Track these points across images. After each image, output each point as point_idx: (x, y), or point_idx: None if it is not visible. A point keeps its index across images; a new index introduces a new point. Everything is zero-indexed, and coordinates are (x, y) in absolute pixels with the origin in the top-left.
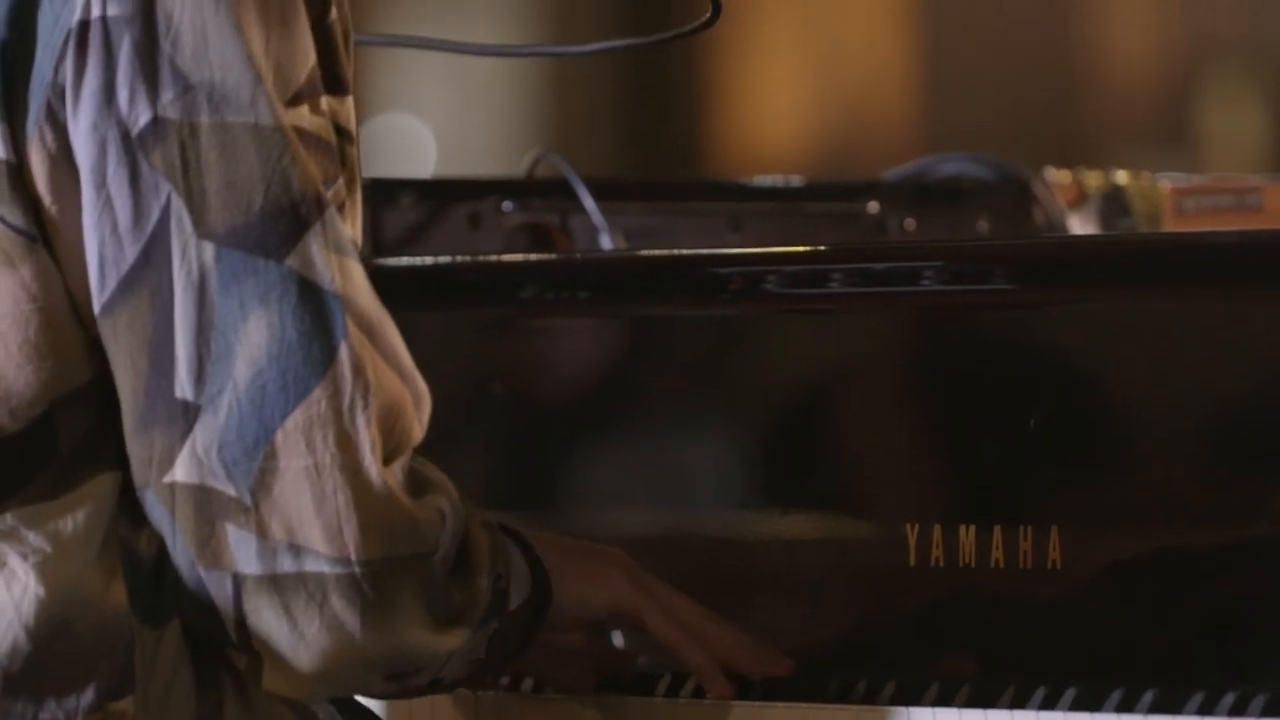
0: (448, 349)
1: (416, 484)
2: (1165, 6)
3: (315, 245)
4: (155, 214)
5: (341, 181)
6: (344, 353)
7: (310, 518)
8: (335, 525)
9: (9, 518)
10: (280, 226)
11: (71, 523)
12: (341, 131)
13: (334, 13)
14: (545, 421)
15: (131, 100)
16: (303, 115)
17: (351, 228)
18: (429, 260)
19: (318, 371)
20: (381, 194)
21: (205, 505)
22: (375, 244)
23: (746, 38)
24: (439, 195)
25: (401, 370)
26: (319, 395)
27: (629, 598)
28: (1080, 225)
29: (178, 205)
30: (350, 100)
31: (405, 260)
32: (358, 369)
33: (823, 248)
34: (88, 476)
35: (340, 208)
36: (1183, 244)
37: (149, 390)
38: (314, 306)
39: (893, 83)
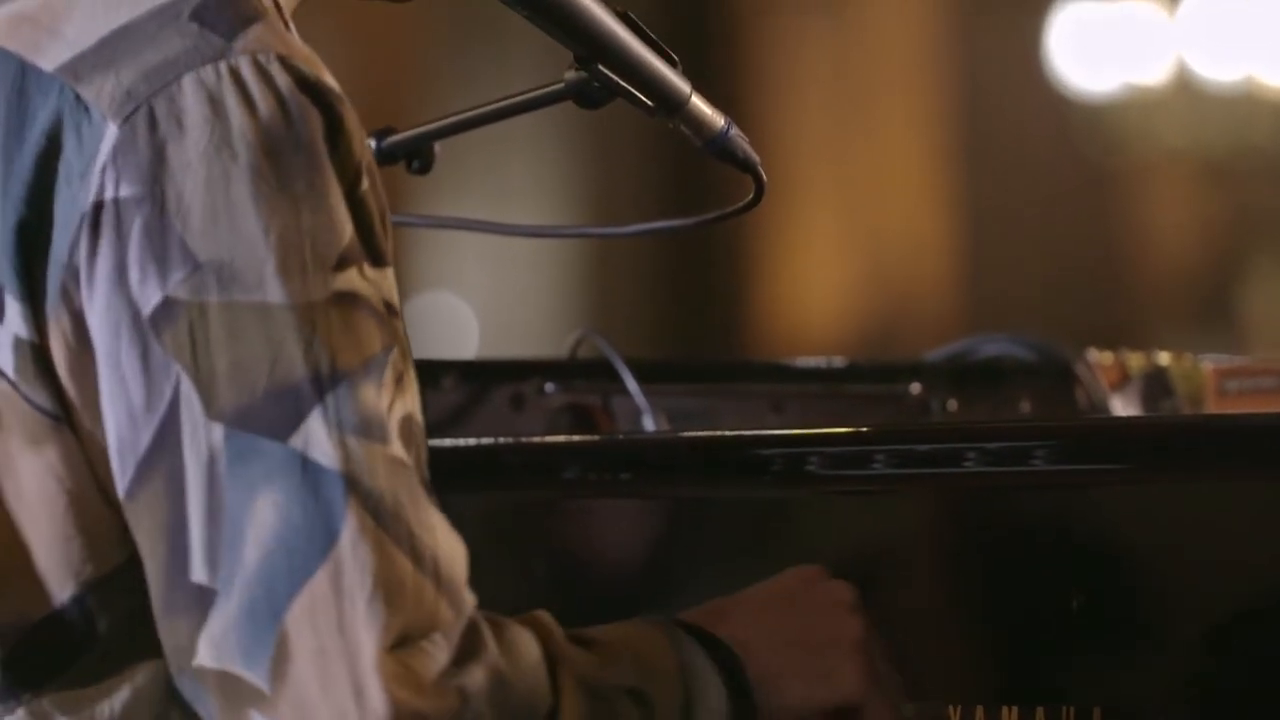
0: (491, 531)
1: (463, 652)
2: (1207, 188)
3: (319, 425)
4: (167, 396)
5: (398, 350)
6: (345, 534)
7: (318, 702)
8: (341, 710)
9: (45, 703)
10: (284, 407)
11: (108, 709)
12: (386, 304)
13: (365, 183)
14: (588, 604)
15: (142, 281)
16: (352, 279)
17: (411, 400)
18: (472, 442)
19: (320, 552)
20: (424, 375)
21: (230, 690)
22: None
23: (789, 219)
24: (481, 376)
25: (417, 553)
26: (321, 577)
27: (858, 695)
28: (1123, 406)
29: (187, 387)
30: (390, 272)
31: (448, 442)
32: (358, 551)
33: (865, 429)
34: (128, 663)
35: (399, 379)
36: (1225, 426)
37: (169, 576)
38: (316, 487)
39: (934, 264)
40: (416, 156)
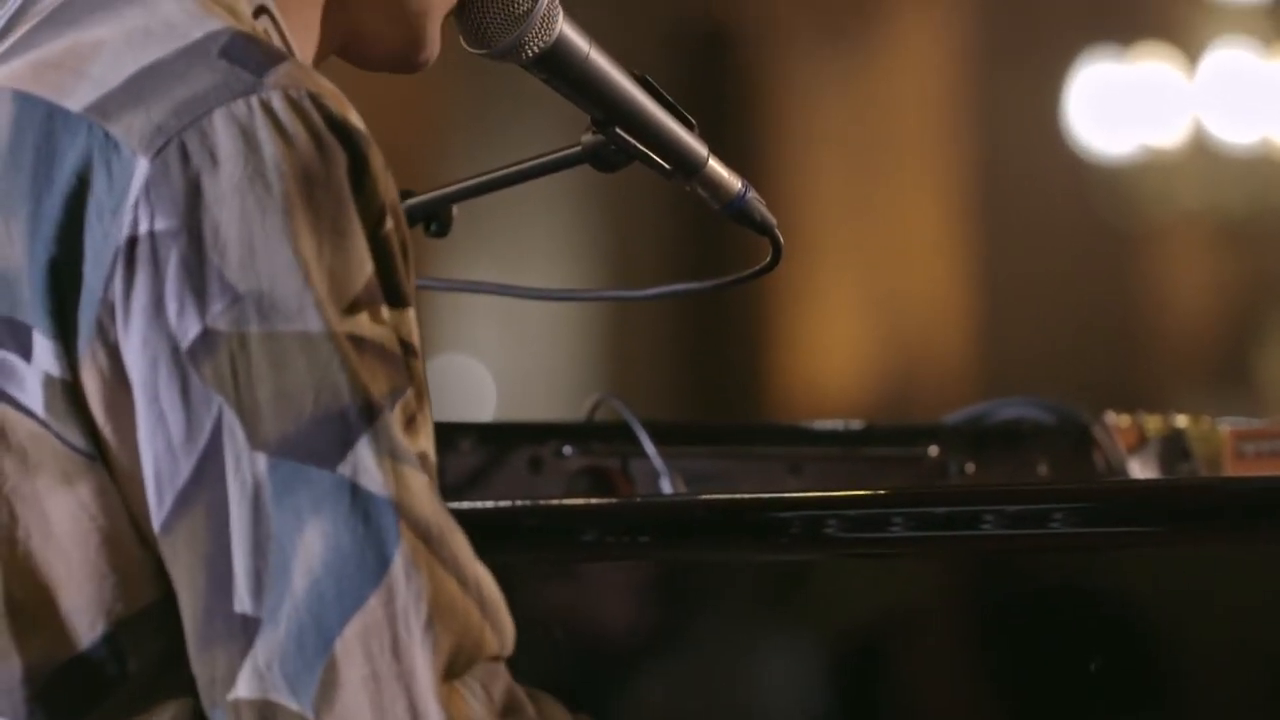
0: (509, 594)
1: (509, 705)
2: (1224, 251)
3: (367, 451)
4: (208, 427)
5: (410, 393)
6: (398, 560)
7: None
8: None
9: None
10: (331, 434)
11: None
12: (404, 344)
13: (389, 223)
14: (606, 667)
15: (180, 314)
16: (361, 323)
17: (425, 441)
18: (490, 505)
19: (372, 579)
20: (442, 438)
21: None
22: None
23: (806, 281)
24: (499, 439)
25: (463, 578)
26: (375, 603)
27: None
28: (1140, 469)
29: (229, 418)
30: (411, 313)
31: (466, 505)
32: (411, 575)
33: (883, 492)
34: (157, 701)
35: (410, 420)
36: (1243, 489)
37: (209, 607)
38: (367, 513)
39: (952, 326)
40: (434, 219)
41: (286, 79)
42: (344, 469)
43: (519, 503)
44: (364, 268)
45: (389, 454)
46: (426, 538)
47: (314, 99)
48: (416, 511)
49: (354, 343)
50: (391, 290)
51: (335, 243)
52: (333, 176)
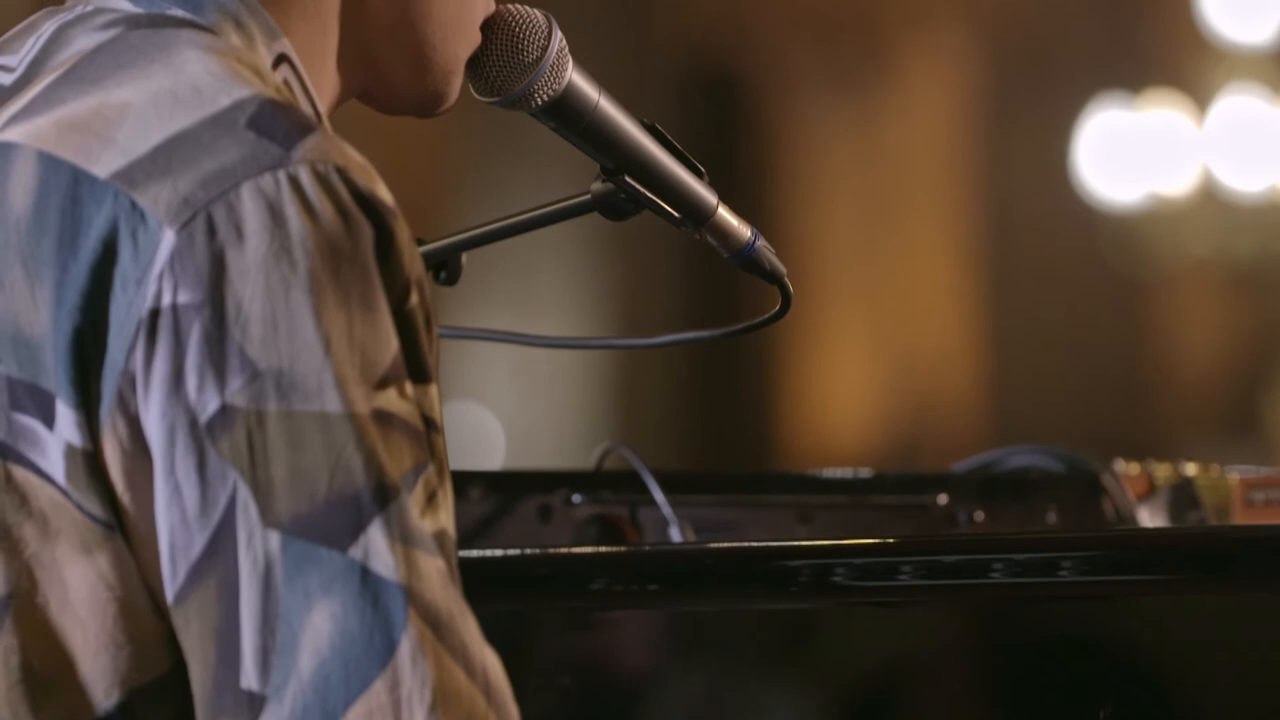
0: (518, 642)
1: None
2: (1233, 298)
3: (379, 535)
4: (222, 502)
5: (432, 469)
6: (404, 645)
7: None
8: None
9: None
10: (344, 516)
11: None
12: (426, 420)
13: (414, 298)
14: (616, 715)
15: (200, 388)
16: (391, 399)
17: (445, 517)
18: (499, 553)
19: (378, 663)
20: (451, 478)
21: None
22: None
23: (815, 329)
24: (509, 487)
25: (470, 666)
26: (380, 687)
27: None
28: (1149, 517)
29: (244, 494)
30: (434, 388)
31: (475, 553)
32: (417, 661)
33: (892, 540)
34: None
35: (431, 497)
36: (1251, 537)
37: (217, 680)
38: (376, 597)
39: (961, 374)
40: (444, 267)
41: (314, 152)
42: (355, 552)
43: (528, 551)
44: (390, 344)
45: (401, 538)
46: (435, 624)
47: (341, 173)
48: (426, 597)
49: (379, 419)
50: (415, 366)
51: (362, 319)
52: (359, 252)
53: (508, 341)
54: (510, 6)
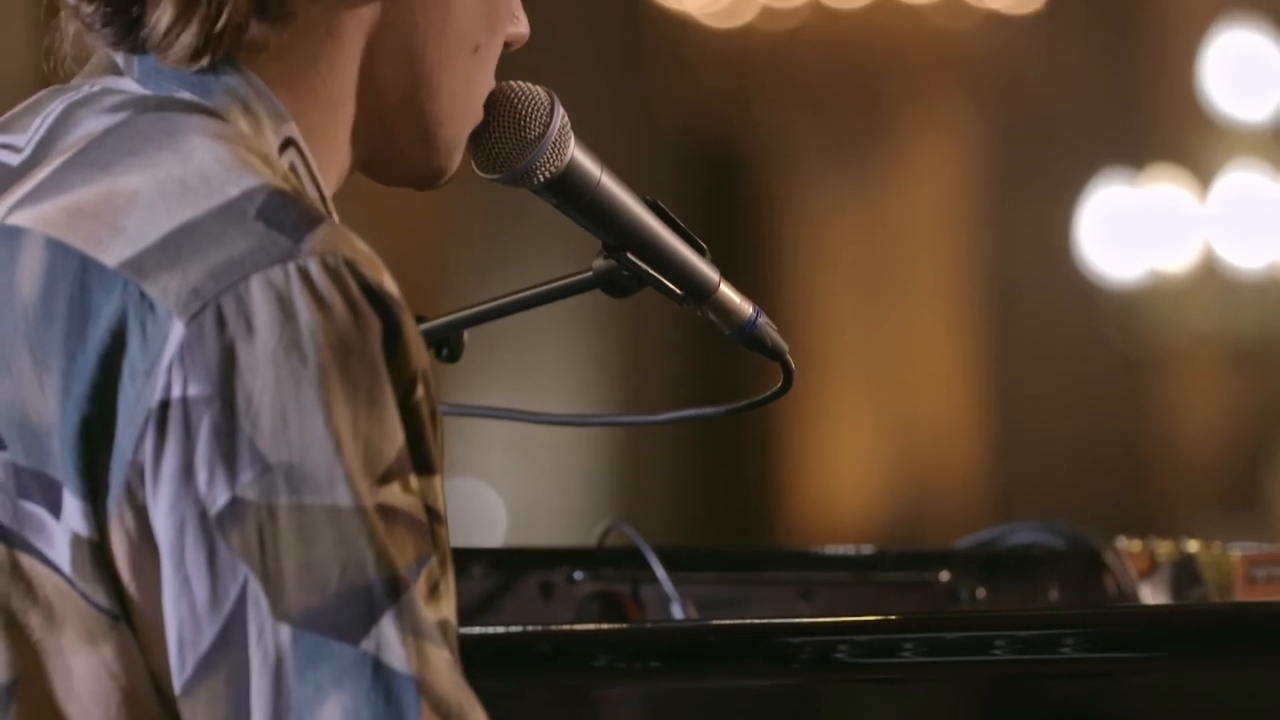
0: (521, 719)
1: None
2: (1234, 375)
3: (391, 629)
4: (233, 595)
5: (435, 561)
6: None
7: None
8: None
9: None
10: (356, 609)
11: None
12: (430, 511)
13: (420, 391)
14: None
15: (210, 481)
16: (394, 493)
17: (447, 608)
18: (501, 630)
19: None
20: (453, 562)
21: None
22: None
23: (817, 404)
24: (510, 564)
25: None
26: None
27: None
28: (1151, 594)
29: (254, 587)
30: (438, 480)
31: (477, 630)
32: None
33: (894, 617)
34: None
35: (434, 588)
36: (1254, 614)
37: None
38: (389, 690)
39: (963, 450)
40: (446, 344)
41: (324, 245)
42: (367, 644)
43: (530, 628)
44: (396, 437)
45: (412, 631)
46: (446, 715)
47: (350, 266)
48: (437, 689)
49: (384, 513)
50: (420, 458)
51: (369, 413)
52: (368, 345)
53: (509, 419)
54: (512, 83)
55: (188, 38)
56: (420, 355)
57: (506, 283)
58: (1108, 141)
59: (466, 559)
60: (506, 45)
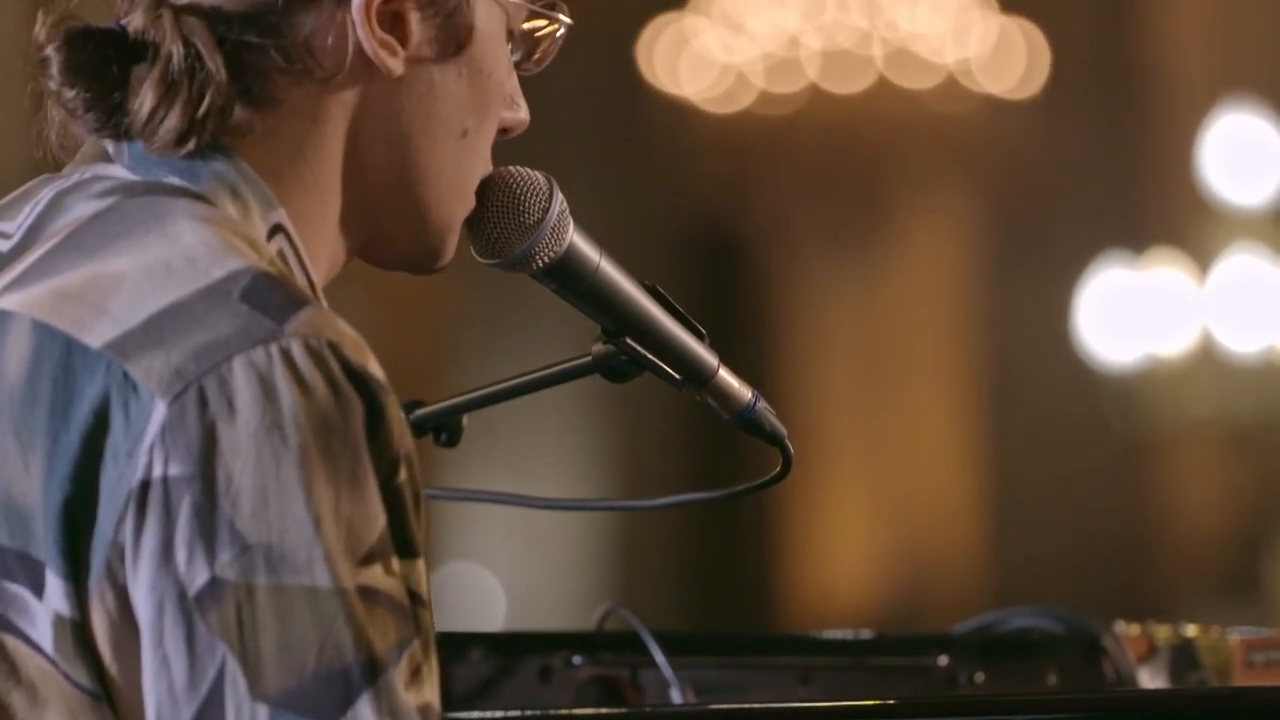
0: None
1: None
2: (1232, 459)
3: (368, 709)
4: (211, 674)
5: (417, 644)
6: None
7: None
8: None
9: None
10: (333, 690)
11: None
12: (413, 594)
13: (403, 474)
14: None
15: (190, 560)
16: (376, 575)
17: (430, 692)
18: (499, 714)
19: None
20: (451, 647)
21: None
22: (445, 698)
23: (816, 488)
24: (509, 648)
25: None
26: None
27: None
28: (1150, 678)
29: (233, 667)
30: (421, 563)
31: (475, 715)
32: None
33: (893, 701)
34: None
35: (416, 671)
36: (1252, 699)
37: None
38: None
39: (962, 534)
40: (445, 429)
41: (307, 327)
42: None
43: (529, 712)
44: (377, 520)
45: (389, 713)
46: None
47: (334, 348)
48: None
49: (365, 595)
50: (402, 541)
51: (351, 494)
52: (350, 427)
53: (508, 503)
54: (511, 168)
55: (172, 121)
56: (404, 438)
57: (505, 367)
58: (1106, 225)
59: (465, 643)
60: (506, 132)
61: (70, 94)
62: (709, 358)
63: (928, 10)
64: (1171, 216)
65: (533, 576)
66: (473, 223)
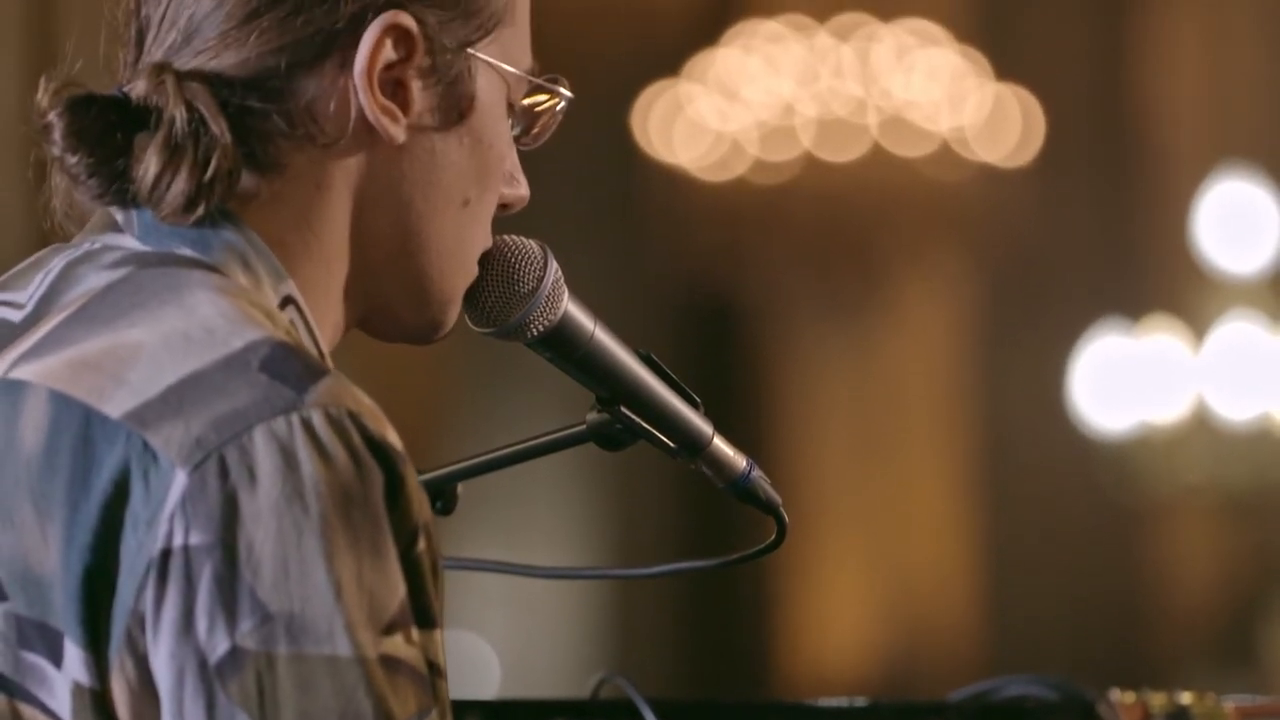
0: None
1: None
2: (1227, 526)
3: None
4: None
5: (435, 714)
6: None
7: None
8: None
9: None
10: None
11: None
12: (431, 665)
13: (422, 544)
14: None
15: (210, 629)
16: (397, 644)
17: None
18: None
19: None
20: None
21: None
22: None
23: (811, 556)
24: (504, 716)
25: None
26: None
27: None
28: None
29: None
30: (439, 634)
31: None
32: None
33: None
34: None
35: None
36: None
37: None
38: None
39: (957, 601)
40: (439, 497)
41: (327, 396)
42: None
43: None
44: (397, 589)
45: None
46: None
47: (354, 418)
48: None
49: (387, 664)
50: (421, 611)
51: (373, 563)
52: (370, 497)
53: (503, 572)
54: (506, 236)
55: (179, 186)
56: (423, 508)
57: (500, 435)
58: (1101, 293)
59: (461, 711)
60: (506, 207)
61: (73, 160)
62: (704, 426)
63: (922, 78)
64: (1167, 284)
65: (527, 644)
66: (467, 291)
